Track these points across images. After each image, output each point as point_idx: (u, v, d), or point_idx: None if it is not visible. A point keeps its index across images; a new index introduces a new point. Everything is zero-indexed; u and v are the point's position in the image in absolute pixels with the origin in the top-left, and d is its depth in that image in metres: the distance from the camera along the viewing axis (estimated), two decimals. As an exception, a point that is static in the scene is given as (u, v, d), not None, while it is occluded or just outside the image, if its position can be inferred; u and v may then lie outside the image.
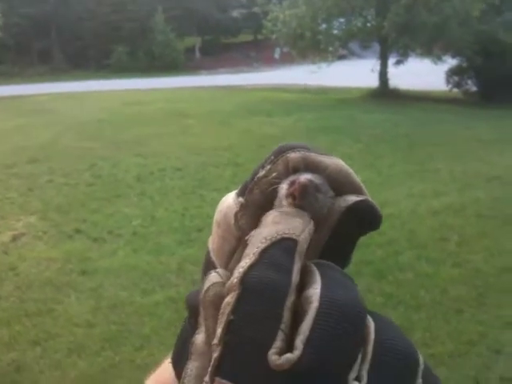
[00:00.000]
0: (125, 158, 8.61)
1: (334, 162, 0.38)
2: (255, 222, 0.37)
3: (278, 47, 24.71)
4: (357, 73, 20.50)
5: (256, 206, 0.39)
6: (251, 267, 0.30)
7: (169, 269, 4.50)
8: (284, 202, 0.36)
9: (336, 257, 0.36)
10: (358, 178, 0.38)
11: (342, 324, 0.28)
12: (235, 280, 0.30)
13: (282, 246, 0.32)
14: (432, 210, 5.68)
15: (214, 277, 0.36)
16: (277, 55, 32.97)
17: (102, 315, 3.78)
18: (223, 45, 44.02)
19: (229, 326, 0.29)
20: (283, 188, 0.37)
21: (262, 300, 0.29)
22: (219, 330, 0.29)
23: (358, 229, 0.37)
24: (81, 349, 3.32)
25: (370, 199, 0.37)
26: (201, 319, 0.35)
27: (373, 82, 16.73)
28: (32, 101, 17.79)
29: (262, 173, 0.40)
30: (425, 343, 3.18)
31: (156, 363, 0.47)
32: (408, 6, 14.17)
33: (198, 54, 41.36)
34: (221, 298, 0.32)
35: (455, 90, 16.13)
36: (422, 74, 18.56)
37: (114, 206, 6.27)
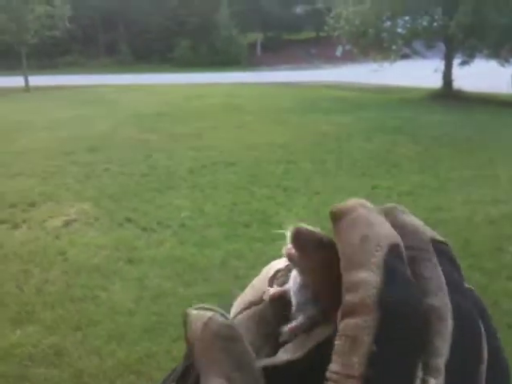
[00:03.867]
0: (180, 150, 8.72)
1: None
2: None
3: (341, 45, 24.40)
4: (419, 73, 19.98)
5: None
6: (384, 283, 0.25)
7: (213, 263, 4.49)
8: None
9: None
10: None
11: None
12: (368, 299, 0.25)
13: (396, 254, 0.27)
14: (489, 219, 5.43)
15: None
16: (338, 53, 32.55)
17: (144, 305, 3.82)
18: (285, 41, 43.93)
19: (370, 358, 0.24)
20: None
21: (408, 327, 0.25)
22: (355, 360, 0.24)
23: None
24: (120, 337, 3.35)
25: None
26: None
27: (436, 82, 16.24)
28: (95, 91, 18.32)
29: None
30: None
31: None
32: (477, 7, 13.64)
33: (259, 50, 41.45)
34: None
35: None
36: (487, 76, 17.86)
37: (166, 198, 6.34)
